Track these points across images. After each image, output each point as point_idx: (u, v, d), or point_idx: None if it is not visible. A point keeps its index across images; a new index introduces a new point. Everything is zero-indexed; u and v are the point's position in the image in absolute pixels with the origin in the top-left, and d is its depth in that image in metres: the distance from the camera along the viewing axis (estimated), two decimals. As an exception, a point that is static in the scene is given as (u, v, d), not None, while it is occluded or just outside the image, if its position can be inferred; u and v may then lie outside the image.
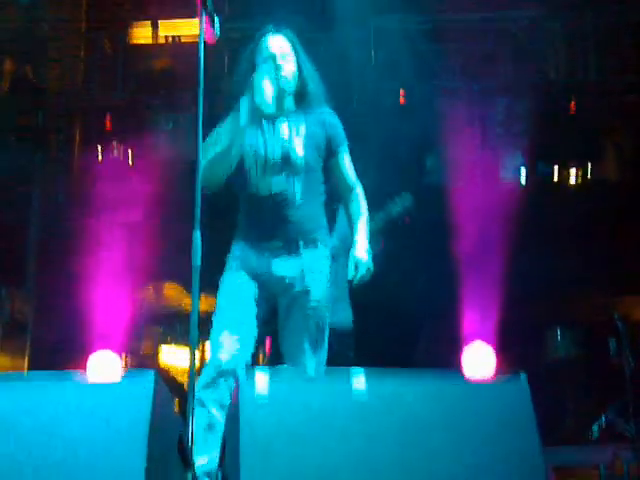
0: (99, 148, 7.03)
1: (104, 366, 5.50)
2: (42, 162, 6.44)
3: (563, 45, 6.64)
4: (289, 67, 3.28)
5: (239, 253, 3.23)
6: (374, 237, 4.23)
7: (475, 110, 6.59)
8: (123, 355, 5.57)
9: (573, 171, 7.23)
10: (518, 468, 2.05)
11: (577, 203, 6.67)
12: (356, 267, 3.17)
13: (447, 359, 5.95)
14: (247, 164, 3.23)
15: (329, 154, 3.33)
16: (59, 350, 5.65)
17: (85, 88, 6.93)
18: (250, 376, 2.06)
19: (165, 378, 2.93)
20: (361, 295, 4.43)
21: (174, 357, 5.43)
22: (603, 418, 5.56)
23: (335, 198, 4.50)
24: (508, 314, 5.88)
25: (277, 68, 3.21)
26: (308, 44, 6.84)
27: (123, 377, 2.01)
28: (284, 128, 3.27)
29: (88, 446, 1.87)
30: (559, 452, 4.95)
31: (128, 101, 6.93)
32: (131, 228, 5.23)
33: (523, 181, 7.04)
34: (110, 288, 5.52)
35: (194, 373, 2.66)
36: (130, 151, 6.98)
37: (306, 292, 3.15)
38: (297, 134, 3.28)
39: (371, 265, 3.19)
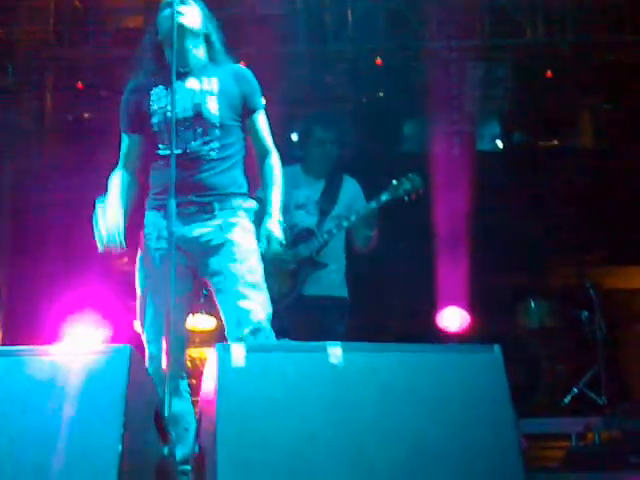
0: (71, 106, 6.93)
1: (80, 339, 5.48)
2: (13, 122, 6.31)
3: (541, 5, 6.59)
4: (193, 12, 3.14)
5: (153, 220, 3.09)
6: (375, 217, 4.23)
7: (453, 74, 6.54)
8: (99, 327, 5.56)
9: (548, 138, 7.26)
10: (492, 437, 2.09)
11: (552, 171, 6.69)
12: (268, 241, 3.03)
13: (421, 332, 6.00)
14: (157, 125, 3.09)
15: (244, 113, 3.16)
16: (33, 320, 5.60)
17: (56, 44, 6.78)
18: (227, 348, 2.06)
19: (141, 348, 2.93)
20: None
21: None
22: (575, 389, 5.66)
23: (340, 169, 4.46)
24: (481, 285, 5.92)
25: (179, 11, 3.03)
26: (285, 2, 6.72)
27: (99, 351, 1.99)
28: (194, 82, 3.12)
29: (63, 417, 1.86)
30: (532, 422, 5.03)
31: (100, 57, 6.80)
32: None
33: (499, 147, 7.05)
34: (86, 255, 5.46)
35: (171, 339, 2.67)
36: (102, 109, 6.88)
37: (224, 244, 3.00)
38: (209, 89, 3.11)
39: (283, 239, 3.06)
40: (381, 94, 6.49)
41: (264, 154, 3.20)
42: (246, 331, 2.90)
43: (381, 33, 6.42)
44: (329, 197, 4.32)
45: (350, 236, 4.34)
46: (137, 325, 3.08)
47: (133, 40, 6.67)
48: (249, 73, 3.22)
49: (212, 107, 3.08)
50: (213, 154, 3.06)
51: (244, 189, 3.16)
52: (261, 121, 3.20)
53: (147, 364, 2.92)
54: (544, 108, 6.83)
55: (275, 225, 3.06)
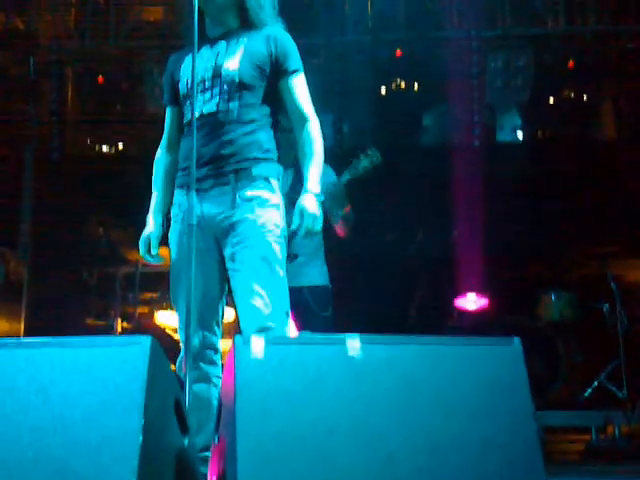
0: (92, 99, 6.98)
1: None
2: (35, 116, 6.37)
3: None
4: None
5: (178, 200, 2.96)
6: (341, 196, 4.15)
7: (473, 64, 6.51)
8: (118, 320, 5.61)
9: (569, 128, 7.20)
10: (511, 429, 2.07)
11: (573, 162, 6.64)
12: (301, 217, 2.81)
13: (440, 320, 6.02)
14: (181, 91, 2.95)
15: (276, 75, 2.92)
16: (55, 311, 5.65)
17: (77, 38, 6.82)
18: (246, 340, 2.06)
19: (161, 340, 2.95)
20: (358, 254, 4.45)
21: (171, 319, 5.47)
22: (596, 382, 5.64)
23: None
24: (502, 276, 5.91)
25: None
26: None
27: (120, 341, 2.00)
28: (221, 46, 2.93)
29: (84, 406, 1.88)
30: (551, 415, 5.02)
31: (121, 51, 6.84)
32: (126, 185, 5.21)
33: (520, 138, 7.00)
34: (107, 249, 5.52)
35: (190, 334, 2.68)
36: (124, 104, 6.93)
37: (239, 224, 2.82)
38: (233, 50, 2.91)
39: (319, 215, 2.83)
40: (401, 85, 6.46)
41: (301, 122, 2.93)
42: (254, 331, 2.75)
43: (401, 24, 6.40)
44: (298, 187, 4.23)
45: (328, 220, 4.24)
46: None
47: (154, 32, 6.75)
48: (283, 35, 2.97)
49: (231, 65, 2.86)
50: (232, 115, 2.85)
51: (271, 154, 2.93)
52: (297, 84, 2.92)
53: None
54: (565, 98, 6.78)
55: (310, 200, 2.82)
